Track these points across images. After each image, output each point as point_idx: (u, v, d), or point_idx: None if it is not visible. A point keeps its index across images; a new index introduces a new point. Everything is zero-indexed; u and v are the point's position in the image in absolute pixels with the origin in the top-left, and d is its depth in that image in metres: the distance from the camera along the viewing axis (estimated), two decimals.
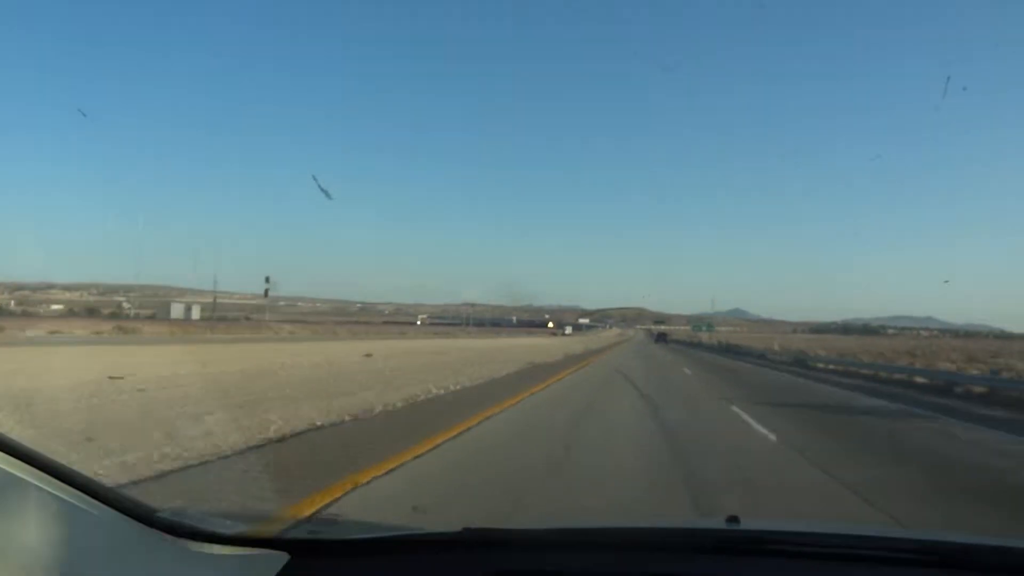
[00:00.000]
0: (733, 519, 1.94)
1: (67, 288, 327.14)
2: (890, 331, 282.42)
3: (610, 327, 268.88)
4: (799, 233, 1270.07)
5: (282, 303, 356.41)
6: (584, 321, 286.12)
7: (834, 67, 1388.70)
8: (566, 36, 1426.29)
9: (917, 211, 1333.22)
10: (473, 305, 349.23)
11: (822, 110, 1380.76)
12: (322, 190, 6.62)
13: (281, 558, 1.65)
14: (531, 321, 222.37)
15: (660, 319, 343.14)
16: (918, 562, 1.73)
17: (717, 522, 1.99)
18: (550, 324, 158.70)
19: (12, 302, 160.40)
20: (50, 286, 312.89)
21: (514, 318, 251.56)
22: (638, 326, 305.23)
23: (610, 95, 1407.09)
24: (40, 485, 1.36)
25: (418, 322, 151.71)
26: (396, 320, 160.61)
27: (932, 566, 1.71)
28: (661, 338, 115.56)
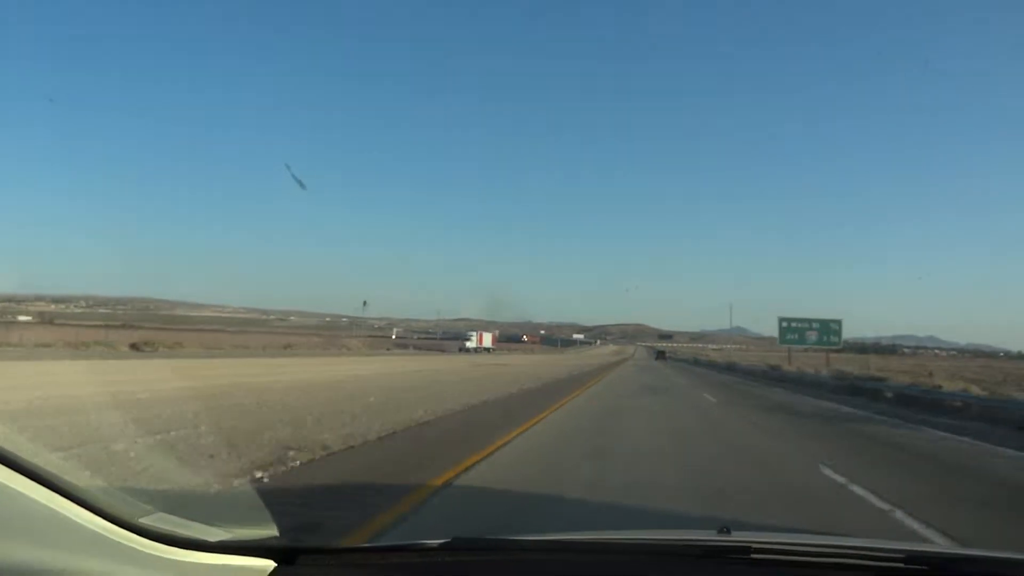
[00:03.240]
0: (724, 530, 1.97)
1: (56, 300, 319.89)
2: (904, 350, 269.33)
3: (598, 343, 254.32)
4: (798, 251, 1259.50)
5: (272, 317, 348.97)
6: (579, 337, 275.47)
7: (836, 66, 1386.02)
8: (562, 53, 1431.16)
9: (917, 229, 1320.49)
10: (469, 320, 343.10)
11: (832, 126, 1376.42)
12: (296, 180, 6.53)
13: (266, 566, 1.64)
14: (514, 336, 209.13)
15: (663, 335, 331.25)
16: (902, 571, 1.75)
17: (708, 533, 2.00)
18: (478, 337, 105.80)
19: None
20: (39, 298, 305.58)
21: (496, 332, 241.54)
22: (639, 343, 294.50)
23: (610, 106, 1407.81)
24: (16, 488, 1.30)
25: (393, 336, 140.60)
26: (380, 335, 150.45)
27: (916, 575, 1.75)
28: (660, 356, 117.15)
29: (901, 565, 1.76)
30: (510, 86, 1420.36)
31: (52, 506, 1.34)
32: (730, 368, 64.93)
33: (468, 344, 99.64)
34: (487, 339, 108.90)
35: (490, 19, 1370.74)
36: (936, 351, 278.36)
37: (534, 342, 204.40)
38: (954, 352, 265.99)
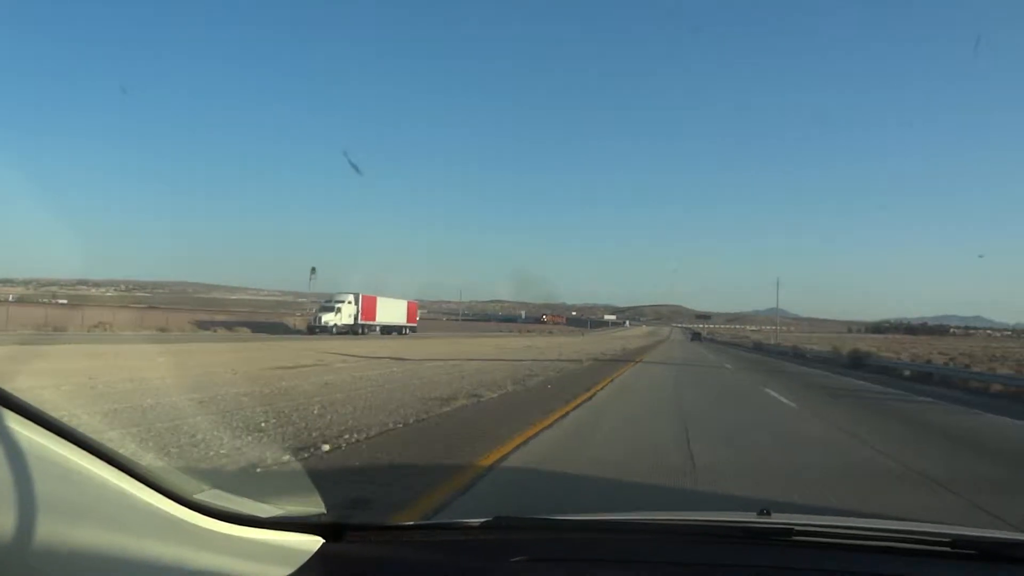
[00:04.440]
0: (764, 512, 1.98)
1: (97, 284, 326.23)
2: (953, 331, 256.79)
3: (627, 324, 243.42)
4: (838, 230, 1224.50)
5: (303, 300, 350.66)
6: (610, 318, 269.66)
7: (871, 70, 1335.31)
8: (591, 38, 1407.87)
9: (962, 209, 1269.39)
10: (501, 302, 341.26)
11: (856, 110, 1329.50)
12: (352, 166, 4.03)
13: (315, 542, 1.69)
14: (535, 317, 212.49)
15: (700, 316, 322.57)
16: (949, 555, 1.73)
17: (748, 515, 2.01)
18: (362, 305, 54.46)
19: (10, 296, 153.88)
20: (82, 282, 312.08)
21: (522, 313, 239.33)
22: (674, 324, 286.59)
23: (642, 91, 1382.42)
24: (81, 463, 1.35)
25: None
26: None
27: (963, 559, 1.71)
28: (696, 337, 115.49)
29: (948, 549, 1.72)
30: (546, 59, 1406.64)
31: (114, 482, 1.38)
32: (873, 367, 31.32)
33: (326, 318, 51.51)
34: (396, 310, 60.35)
35: None
36: (988, 331, 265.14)
37: (556, 322, 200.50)
38: (1008, 332, 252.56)
